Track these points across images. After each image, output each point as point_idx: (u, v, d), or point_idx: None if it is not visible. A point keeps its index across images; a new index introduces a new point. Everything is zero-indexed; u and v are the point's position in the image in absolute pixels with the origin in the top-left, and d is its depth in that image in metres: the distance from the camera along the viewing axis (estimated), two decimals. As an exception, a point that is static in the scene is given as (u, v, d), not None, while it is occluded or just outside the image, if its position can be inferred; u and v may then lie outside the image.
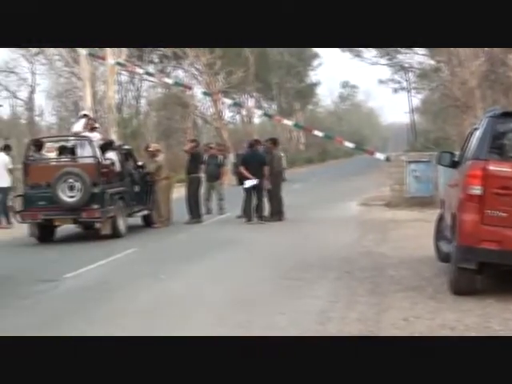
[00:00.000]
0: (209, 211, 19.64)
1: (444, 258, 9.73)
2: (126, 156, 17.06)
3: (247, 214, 17.64)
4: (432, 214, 13.19)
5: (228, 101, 40.84)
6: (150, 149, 18.55)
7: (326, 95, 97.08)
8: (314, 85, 74.76)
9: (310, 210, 20.34)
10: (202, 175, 19.32)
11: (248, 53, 48.11)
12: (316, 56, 70.39)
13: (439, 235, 10.38)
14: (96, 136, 16.29)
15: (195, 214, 18.21)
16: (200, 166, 19.05)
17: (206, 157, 19.74)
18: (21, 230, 16.32)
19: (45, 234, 15.47)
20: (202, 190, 19.28)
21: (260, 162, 17.57)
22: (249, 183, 17.44)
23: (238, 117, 61.52)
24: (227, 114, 56.50)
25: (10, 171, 18.58)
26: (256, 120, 60.72)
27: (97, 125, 17.76)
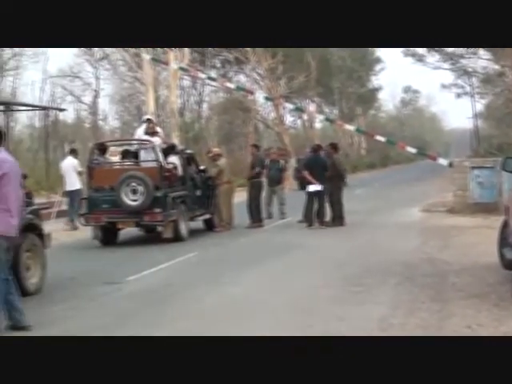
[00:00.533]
0: (270, 216, 19.67)
1: (508, 265, 9.60)
2: (188, 160, 17.18)
3: (308, 218, 17.62)
4: (496, 221, 12.99)
5: (289, 105, 40.86)
6: (211, 153, 18.67)
7: (388, 100, 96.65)
8: (376, 90, 74.22)
9: (372, 215, 20.24)
10: (264, 180, 19.37)
11: (310, 58, 48.02)
12: (378, 61, 69.90)
13: (503, 242, 10.22)
14: (157, 140, 16.46)
15: (256, 218, 18.27)
16: (262, 171, 19.09)
17: (267, 161, 19.79)
18: (84, 232, 16.59)
19: (108, 237, 15.67)
20: (264, 195, 19.34)
21: (323, 167, 17.56)
22: (312, 188, 17.43)
23: (299, 121, 61.41)
24: (288, 119, 56.55)
25: (80, 173, 18.89)
26: (317, 125, 60.68)
27: (158, 129, 17.89)
